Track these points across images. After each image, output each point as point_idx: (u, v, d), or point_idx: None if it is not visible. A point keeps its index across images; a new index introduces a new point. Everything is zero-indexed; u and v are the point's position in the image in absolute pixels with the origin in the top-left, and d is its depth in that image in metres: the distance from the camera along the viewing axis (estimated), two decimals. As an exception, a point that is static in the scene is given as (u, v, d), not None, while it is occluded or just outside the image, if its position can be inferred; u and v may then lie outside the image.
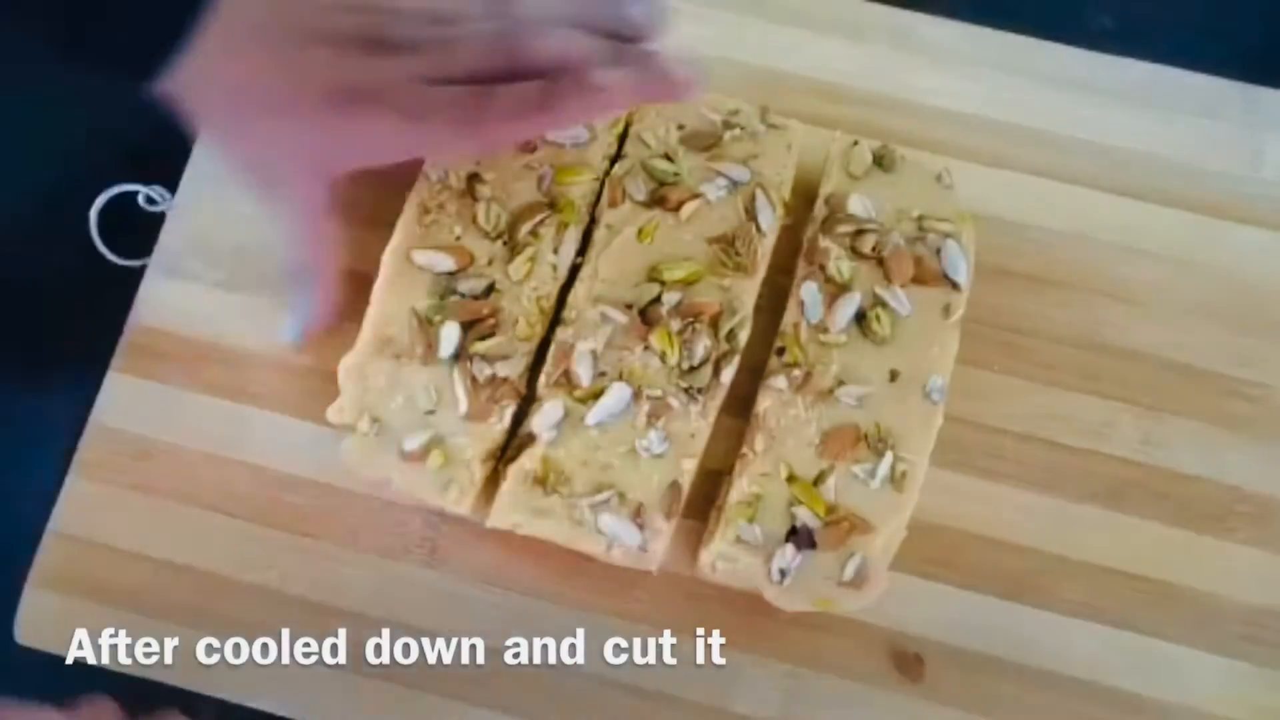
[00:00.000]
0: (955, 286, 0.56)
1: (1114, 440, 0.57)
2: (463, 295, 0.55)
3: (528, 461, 0.53)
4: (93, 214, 0.61)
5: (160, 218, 0.61)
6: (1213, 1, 0.66)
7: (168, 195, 0.61)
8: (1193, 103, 0.61)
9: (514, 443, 0.54)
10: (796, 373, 0.54)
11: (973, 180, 0.59)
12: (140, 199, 0.62)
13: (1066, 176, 0.60)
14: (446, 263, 0.55)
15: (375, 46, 0.50)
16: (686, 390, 0.54)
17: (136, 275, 0.59)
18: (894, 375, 0.54)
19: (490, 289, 0.55)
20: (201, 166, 0.60)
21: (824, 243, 0.56)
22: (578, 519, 0.52)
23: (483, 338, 0.55)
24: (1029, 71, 0.62)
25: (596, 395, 0.54)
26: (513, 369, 0.54)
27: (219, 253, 0.59)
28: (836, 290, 0.55)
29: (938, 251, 0.56)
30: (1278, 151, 0.61)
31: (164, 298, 0.59)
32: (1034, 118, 0.61)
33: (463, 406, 0.54)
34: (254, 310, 0.58)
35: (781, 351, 0.55)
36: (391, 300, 0.55)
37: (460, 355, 0.54)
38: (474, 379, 0.54)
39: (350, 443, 0.54)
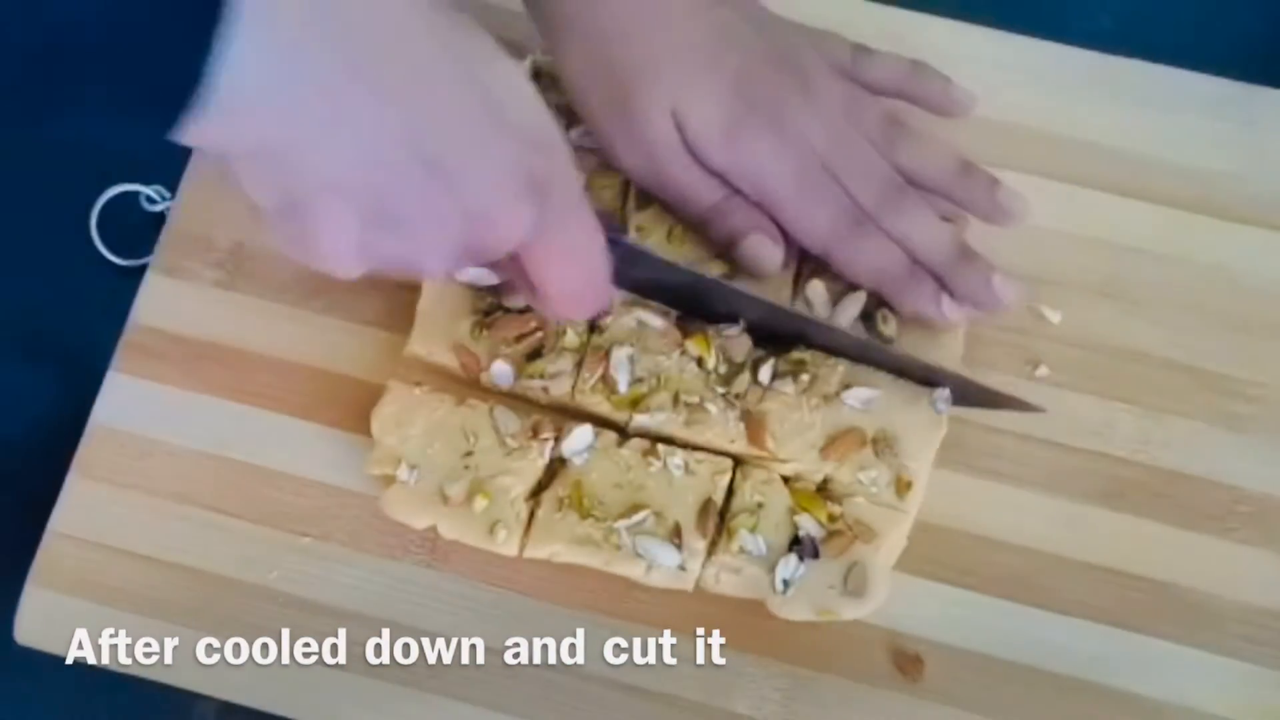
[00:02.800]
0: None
1: (1114, 440, 0.57)
2: (508, 310, 0.55)
3: (560, 488, 0.53)
4: (93, 214, 0.61)
5: (160, 218, 0.61)
6: (1213, 1, 0.66)
7: (168, 195, 0.61)
8: (1193, 103, 0.61)
9: (546, 470, 0.54)
10: (805, 377, 0.54)
11: (973, 180, 0.59)
12: (140, 199, 0.62)
13: (1066, 176, 0.60)
14: (491, 276, 0.55)
15: (784, 67, 0.53)
16: (724, 396, 0.54)
17: (136, 275, 0.59)
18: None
19: None
20: (201, 166, 0.60)
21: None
22: (615, 543, 0.52)
23: (530, 356, 0.55)
24: (1029, 71, 0.62)
25: (635, 402, 0.54)
26: (562, 387, 0.54)
27: (219, 253, 0.59)
28: (842, 290, 0.55)
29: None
30: (1278, 151, 0.61)
31: (164, 298, 0.59)
32: (1034, 118, 0.61)
33: (515, 427, 0.53)
34: (254, 310, 0.58)
35: (788, 349, 0.55)
36: (435, 320, 0.55)
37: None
38: (528, 401, 0.54)
39: (391, 494, 0.53)
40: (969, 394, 0.54)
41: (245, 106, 0.35)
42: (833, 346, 0.54)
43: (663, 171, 0.54)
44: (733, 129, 0.53)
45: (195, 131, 0.35)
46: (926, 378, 0.54)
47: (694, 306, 0.55)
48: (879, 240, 0.54)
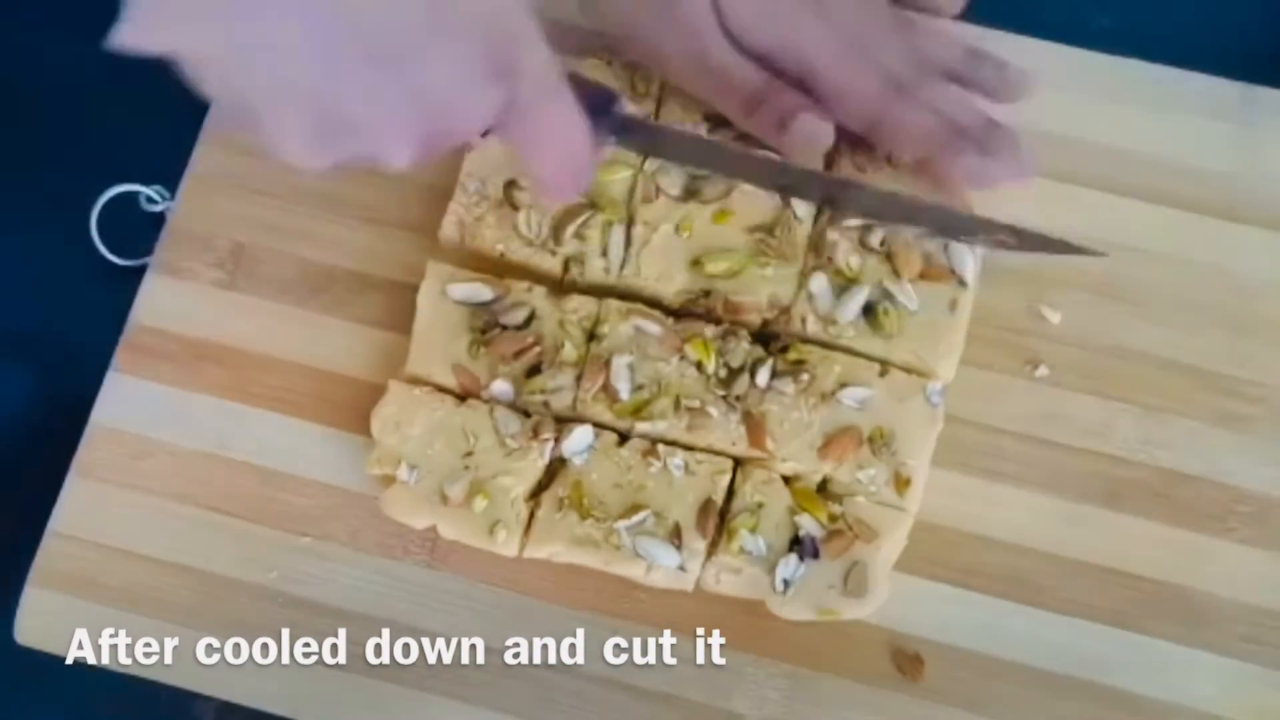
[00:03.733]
0: (962, 282, 0.56)
1: (1114, 440, 0.57)
2: (505, 327, 0.55)
3: (560, 488, 0.53)
4: (93, 214, 0.61)
5: (160, 218, 0.61)
6: (1213, 1, 0.66)
7: (168, 195, 0.61)
8: (1193, 103, 0.61)
9: (546, 470, 0.54)
10: (805, 376, 0.54)
11: (973, 180, 0.59)
12: (140, 199, 0.62)
13: (1067, 176, 0.60)
14: (484, 293, 0.55)
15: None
16: (725, 399, 0.54)
17: (136, 275, 0.59)
18: (884, 370, 0.55)
19: (531, 317, 0.55)
20: (201, 166, 0.60)
21: (833, 236, 0.56)
22: (615, 544, 0.52)
23: (529, 371, 0.54)
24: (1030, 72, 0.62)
25: (637, 410, 0.54)
26: (564, 400, 0.54)
27: (219, 253, 0.59)
28: (845, 284, 0.56)
29: (945, 247, 0.56)
30: (1277, 151, 0.61)
31: (164, 298, 0.59)
32: (1034, 118, 0.61)
33: (515, 428, 0.53)
34: (254, 310, 0.58)
35: (785, 349, 0.55)
36: (432, 340, 0.55)
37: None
38: (528, 414, 0.54)
39: (391, 493, 0.54)
40: (1026, 241, 0.54)
41: (175, 8, 0.36)
42: (860, 205, 0.55)
43: (705, 59, 0.55)
44: (772, 8, 0.54)
45: (129, 34, 0.35)
46: (961, 226, 0.54)
47: (705, 168, 0.55)
48: (922, 107, 0.54)
